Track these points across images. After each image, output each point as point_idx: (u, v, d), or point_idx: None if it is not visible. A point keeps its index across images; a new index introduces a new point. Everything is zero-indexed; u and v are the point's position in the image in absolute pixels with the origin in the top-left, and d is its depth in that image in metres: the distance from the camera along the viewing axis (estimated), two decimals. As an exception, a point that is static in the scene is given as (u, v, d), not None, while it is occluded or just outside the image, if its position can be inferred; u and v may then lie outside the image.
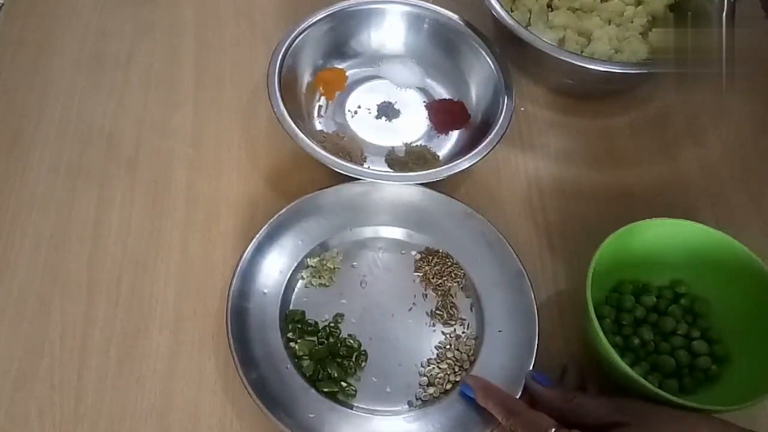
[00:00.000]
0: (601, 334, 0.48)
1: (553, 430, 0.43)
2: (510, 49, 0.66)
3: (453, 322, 0.56)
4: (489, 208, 0.61)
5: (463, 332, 0.56)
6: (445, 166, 0.59)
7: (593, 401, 0.47)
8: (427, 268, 0.59)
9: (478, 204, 0.60)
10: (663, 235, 0.55)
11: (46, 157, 0.64)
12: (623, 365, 0.47)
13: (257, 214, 0.61)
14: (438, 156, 0.65)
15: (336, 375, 0.52)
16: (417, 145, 0.66)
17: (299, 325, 0.54)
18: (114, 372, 0.53)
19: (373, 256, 0.59)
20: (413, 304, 0.57)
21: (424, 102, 0.69)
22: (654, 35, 0.69)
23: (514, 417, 0.46)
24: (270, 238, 0.57)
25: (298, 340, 0.54)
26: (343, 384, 0.52)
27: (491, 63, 0.66)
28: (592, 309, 0.49)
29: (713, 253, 0.55)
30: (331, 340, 0.54)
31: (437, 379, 0.53)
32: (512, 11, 0.72)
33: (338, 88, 0.69)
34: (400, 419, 0.51)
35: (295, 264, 0.57)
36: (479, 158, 0.59)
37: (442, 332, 0.56)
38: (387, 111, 0.68)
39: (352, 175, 0.57)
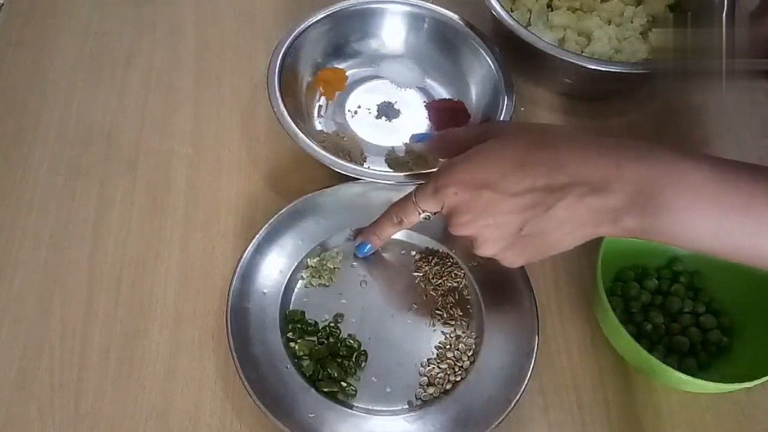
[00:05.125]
0: (622, 329, 0.49)
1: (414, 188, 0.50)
2: (510, 49, 0.66)
3: (453, 322, 0.56)
4: (489, 208, 0.60)
5: (463, 332, 0.56)
6: (445, 166, 0.59)
7: (466, 128, 0.53)
8: (427, 268, 0.59)
9: (478, 204, 0.60)
10: None
11: (46, 157, 0.64)
12: (648, 354, 0.48)
13: (257, 214, 0.61)
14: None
15: (336, 375, 0.52)
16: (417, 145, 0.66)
17: (299, 325, 0.54)
18: (114, 372, 0.53)
19: (373, 256, 0.59)
20: (413, 304, 0.57)
21: (424, 102, 0.69)
22: (654, 35, 0.69)
23: (392, 214, 0.52)
24: (270, 238, 0.57)
25: (298, 340, 0.54)
26: (343, 384, 0.52)
27: (491, 63, 0.66)
28: (606, 301, 0.50)
29: None
30: (331, 340, 0.54)
31: (437, 379, 0.53)
32: (512, 11, 0.72)
33: (338, 88, 0.69)
34: (400, 419, 0.51)
35: (295, 264, 0.57)
36: (479, 158, 0.59)
37: (442, 332, 0.56)
38: (387, 111, 0.68)
39: (352, 175, 0.57)
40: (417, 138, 0.57)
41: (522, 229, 0.44)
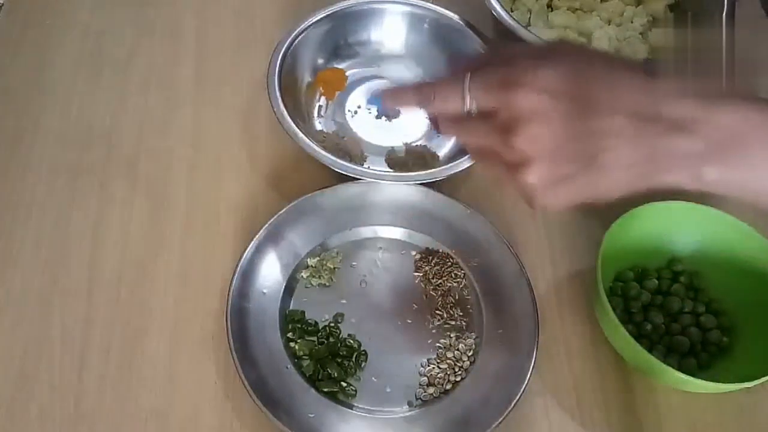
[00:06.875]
0: (622, 329, 0.50)
1: (469, 72, 0.39)
2: (510, 49, 0.66)
3: (453, 322, 0.56)
4: (489, 208, 0.60)
5: (463, 332, 0.56)
6: (445, 166, 0.59)
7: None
8: (427, 268, 0.59)
9: (478, 204, 0.60)
10: (660, 218, 0.57)
11: (46, 157, 0.64)
12: (648, 354, 0.48)
13: (257, 214, 0.61)
14: (438, 156, 0.65)
15: (336, 375, 0.52)
16: (417, 145, 0.66)
17: (299, 325, 0.54)
18: (114, 372, 0.53)
19: (373, 256, 0.59)
20: (413, 304, 0.57)
21: (424, 102, 0.69)
22: (654, 35, 0.69)
23: (426, 86, 0.42)
24: (270, 238, 0.57)
25: (298, 340, 0.54)
26: (343, 384, 0.52)
27: (491, 63, 0.66)
28: (606, 301, 0.50)
29: (706, 228, 0.57)
30: (331, 340, 0.54)
31: (437, 379, 0.53)
32: (512, 11, 0.72)
33: (338, 88, 0.69)
34: (400, 419, 0.51)
35: (295, 264, 0.57)
36: (479, 158, 0.59)
37: (442, 332, 0.56)
38: (387, 111, 0.68)
39: (352, 175, 0.57)
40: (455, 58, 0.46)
41: (595, 157, 0.37)
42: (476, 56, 0.44)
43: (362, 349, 0.54)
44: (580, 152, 0.37)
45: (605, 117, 0.36)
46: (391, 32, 0.71)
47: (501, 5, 0.66)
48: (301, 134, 0.59)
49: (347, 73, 0.70)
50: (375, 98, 0.45)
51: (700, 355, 0.54)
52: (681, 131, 0.36)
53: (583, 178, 0.38)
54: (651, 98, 0.37)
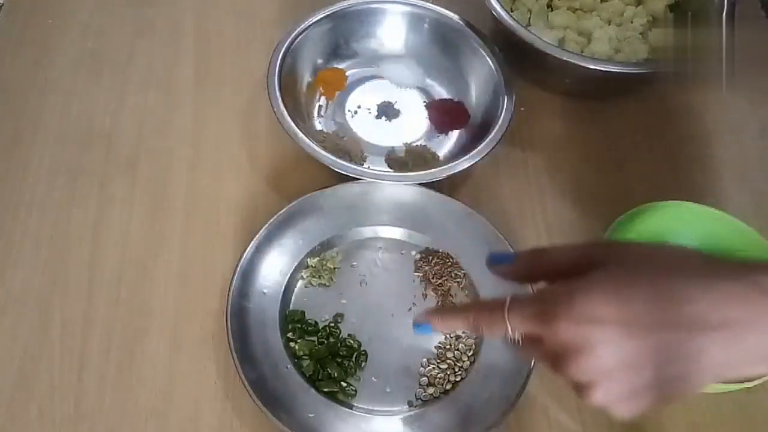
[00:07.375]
0: None
1: (508, 298, 0.39)
2: (510, 49, 0.66)
3: (453, 322, 0.56)
4: (489, 208, 0.60)
5: (463, 332, 0.56)
6: (445, 166, 0.59)
7: (562, 248, 0.41)
8: (427, 268, 0.59)
9: (478, 204, 0.60)
10: (660, 218, 0.57)
11: (46, 157, 0.64)
12: None
13: (257, 214, 0.61)
14: (438, 156, 0.65)
15: (336, 375, 0.52)
16: (417, 145, 0.66)
17: (299, 325, 0.54)
18: (114, 372, 0.53)
19: (373, 256, 0.59)
20: (413, 304, 0.57)
21: (424, 102, 0.69)
22: (654, 35, 0.69)
23: (471, 315, 0.41)
24: (270, 238, 0.57)
25: (298, 340, 0.54)
26: (343, 384, 0.52)
27: (491, 63, 0.66)
28: None
29: (706, 228, 0.57)
30: (331, 340, 0.54)
31: (437, 379, 0.53)
32: (512, 11, 0.72)
33: (338, 88, 0.69)
34: (399, 419, 0.51)
35: (295, 264, 0.57)
36: (479, 158, 0.59)
37: (442, 332, 0.56)
38: (387, 111, 0.68)
39: (352, 175, 0.58)
40: (496, 258, 0.44)
41: (655, 376, 0.35)
42: (513, 267, 0.43)
43: (362, 349, 0.54)
44: (638, 374, 0.35)
45: (657, 334, 0.35)
46: (391, 32, 0.71)
47: (501, 5, 0.66)
48: (301, 134, 0.59)
49: (347, 73, 0.70)
50: (420, 324, 0.43)
51: None
52: (753, 331, 0.34)
53: (653, 391, 0.36)
54: (706, 302, 0.34)
